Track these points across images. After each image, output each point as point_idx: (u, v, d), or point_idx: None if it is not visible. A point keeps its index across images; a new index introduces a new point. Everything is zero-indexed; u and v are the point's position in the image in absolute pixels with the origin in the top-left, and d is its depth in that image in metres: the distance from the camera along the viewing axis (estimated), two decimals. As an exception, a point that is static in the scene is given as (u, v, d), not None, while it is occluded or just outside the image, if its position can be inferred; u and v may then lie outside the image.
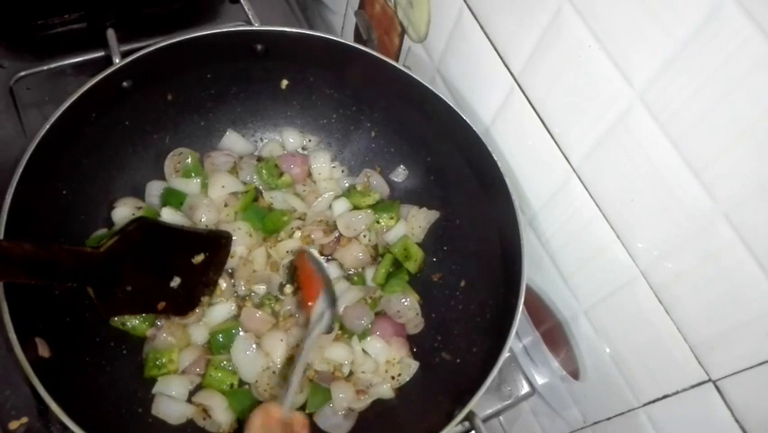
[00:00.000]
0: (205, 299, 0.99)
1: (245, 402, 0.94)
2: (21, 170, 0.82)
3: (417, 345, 1.03)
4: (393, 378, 0.99)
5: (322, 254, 1.07)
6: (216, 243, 1.00)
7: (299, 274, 0.99)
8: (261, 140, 1.14)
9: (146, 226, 0.92)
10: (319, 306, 0.90)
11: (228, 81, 1.06)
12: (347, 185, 1.13)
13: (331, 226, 1.08)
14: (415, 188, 1.11)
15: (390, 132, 1.10)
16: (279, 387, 0.95)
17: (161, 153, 1.06)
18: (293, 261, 1.04)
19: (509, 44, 0.85)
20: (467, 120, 0.93)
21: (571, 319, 0.93)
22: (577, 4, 0.71)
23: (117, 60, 0.94)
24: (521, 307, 0.85)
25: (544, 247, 0.94)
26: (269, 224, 1.06)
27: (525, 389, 1.05)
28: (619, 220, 0.77)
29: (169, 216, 1.02)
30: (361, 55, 0.99)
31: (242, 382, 0.96)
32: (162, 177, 1.06)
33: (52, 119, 0.85)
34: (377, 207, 1.09)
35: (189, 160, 1.06)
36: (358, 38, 1.26)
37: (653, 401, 0.81)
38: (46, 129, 0.85)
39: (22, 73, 1.18)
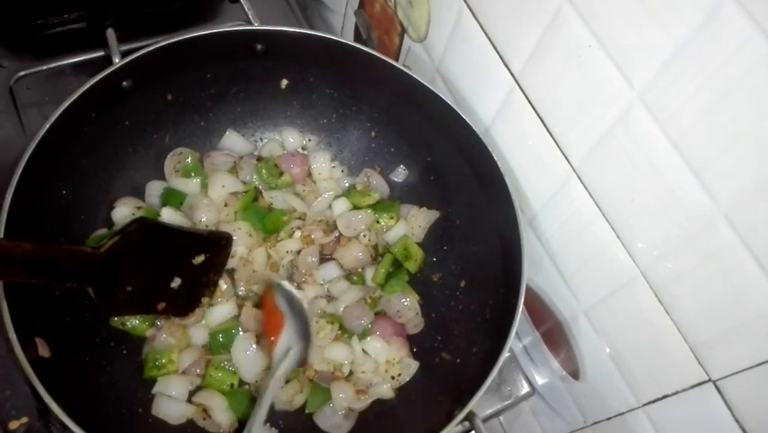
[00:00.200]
0: (205, 300, 0.99)
1: (245, 402, 0.94)
2: (21, 170, 0.82)
3: (417, 345, 1.03)
4: (393, 378, 0.99)
5: (322, 254, 1.08)
6: (217, 243, 1.00)
7: (262, 308, 0.96)
8: (261, 140, 1.14)
9: (146, 227, 0.92)
10: (282, 341, 0.87)
11: (228, 81, 1.06)
12: (347, 185, 1.13)
13: (331, 226, 1.08)
14: (415, 189, 1.11)
15: (390, 132, 1.10)
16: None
17: (161, 153, 1.06)
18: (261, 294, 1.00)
19: (509, 44, 0.85)
20: (467, 120, 0.93)
21: (571, 319, 0.93)
22: (577, 4, 0.71)
23: (117, 60, 0.94)
24: (521, 307, 0.85)
25: (543, 247, 0.94)
26: (269, 224, 1.06)
27: (525, 389, 1.05)
28: (619, 220, 0.77)
29: (168, 216, 1.02)
30: (360, 55, 0.99)
31: (242, 382, 0.96)
32: (162, 177, 1.06)
33: (52, 119, 0.85)
34: (377, 206, 1.09)
35: (189, 159, 1.06)
36: (358, 38, 1.26)
37: (653, 401, 0.81)
38: (46, 129, 0.85)
39: (22, 73, 1.18)
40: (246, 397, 0.95)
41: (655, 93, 0.65)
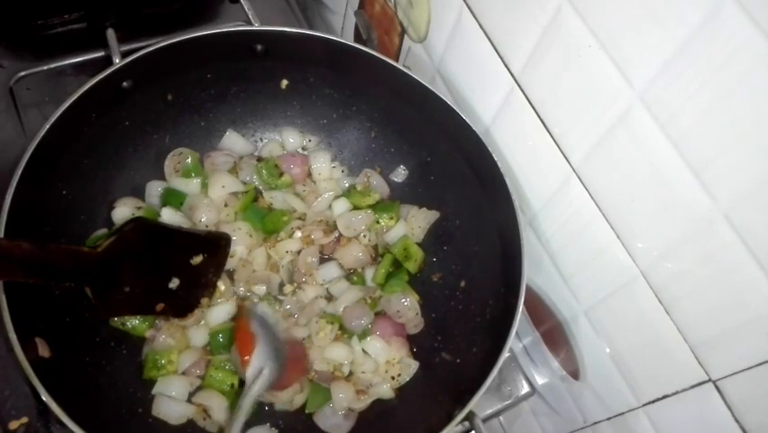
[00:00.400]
0: (204, 301, 0.99)
1: (245, 402, 0.94)
2: (21, 170, 0.82)
3: (417, 345, 1.03)
4: (393, 378, 0.99)
5: (322, 254, 1.08)
6: (215, 244, 1.00)
7: (235, 328, 0.97)
8: (261, 140, 1.14)
9: (143, 227, 0.92)
10: (254, 362, 0.89)
11: (228, 81, 1.06)
12: (347, 185, 1.13)
13: (331, 226, 1.08)
14: (415, 189, 1.11)
15: (390, 132, 1.10)
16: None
17: (161, 153, 1.06)
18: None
19: (509, 44, 0.85)
20: (467, 120, 0.93)
21: (571, 319, 0.93)
22: (577, 4, 0.71)
23: (117, 60, 0.94)
24: (521, 307, 0.85)
25: (543, 247, 0.94)
26: (268, 224, 1.06)
27: (525, 389, 1.05)
28: (619, 220, 0.77)
29: (168, 216, 1.02)
30: (360, 55, 0.99)
31: (242, 383, 0.96)
32: (162, 177, 1.06)
33: (52, 119, 0.85)
34: (377, 207, 1.09)
35: (189, 160, 1.06)
36: (358, 38, 1.26)
37: (653, 401, 0.81)
38: (46, 129, 0.85)
39: (22, 73, 1.18)
40: (246, 397, 0.95)
41: (655, 93, 0.65)
